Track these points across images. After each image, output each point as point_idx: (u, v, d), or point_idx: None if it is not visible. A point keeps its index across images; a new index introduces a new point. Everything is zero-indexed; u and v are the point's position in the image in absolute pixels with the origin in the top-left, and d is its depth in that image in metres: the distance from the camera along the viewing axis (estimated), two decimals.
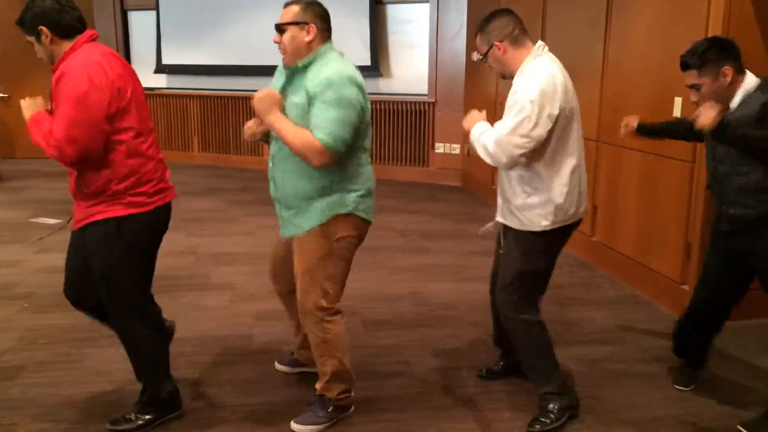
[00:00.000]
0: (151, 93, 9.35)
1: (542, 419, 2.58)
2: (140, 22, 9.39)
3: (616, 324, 3.66)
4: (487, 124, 2.51)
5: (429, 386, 2.95)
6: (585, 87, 4.83)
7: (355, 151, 2.44)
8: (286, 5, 2.48)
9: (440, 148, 7.87)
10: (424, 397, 2.85)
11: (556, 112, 2.36)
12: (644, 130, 2.91)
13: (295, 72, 2.44)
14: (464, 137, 7.60)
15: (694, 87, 2.46)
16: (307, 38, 2.41)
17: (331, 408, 2.63)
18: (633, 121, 2.90)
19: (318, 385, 2.63)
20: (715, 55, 2.39)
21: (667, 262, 3.89)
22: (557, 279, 4.45)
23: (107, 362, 3.13)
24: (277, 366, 3.09)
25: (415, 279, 4.37)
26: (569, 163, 2.47)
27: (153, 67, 9.20)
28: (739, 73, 2.42)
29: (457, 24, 7.57)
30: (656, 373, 3.09)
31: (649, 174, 4.07)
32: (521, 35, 2.51)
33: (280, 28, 2.45)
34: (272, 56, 9.05)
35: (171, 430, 2.58)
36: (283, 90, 2.46)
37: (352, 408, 2.72)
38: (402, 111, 7.95)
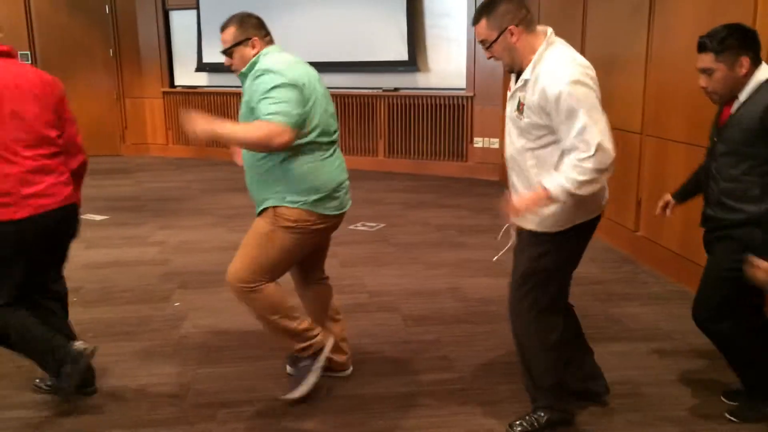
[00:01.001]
0: (192, 91, 9.51)
1: (524, 423, 2.49)
2: (181, 21, 9.54)
3: (662, 320, 3.58)
4: (551, 179, 2.16)
5: (469, 382, 2.94)
6: (628, 78, 4.75)
7: (310, 150, 2.52)
8: (223, 29, 2.59)
9: (479, 142, 7.81)
10: (464, 393, 2.83)
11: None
12: (684, 195, 2.78)
13: (246, 76, 2.57)
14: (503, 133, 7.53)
15: (707, 71, 2.34)
16: (254, 51, 2.56)
17: (305, 362, 2.70)
18: (668, 197, 2.77)
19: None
20: (736, 42, 2.28)
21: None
22: (600, 275, 4.41)
23: (149, 355, 3.20)
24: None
25: (453, 274, 4.35)
26: None
27: (194, 65, 9.35)
28: (755, 65, 2.31)
29: None
30: (703, 369, 3.02)
31: (695, 166, 3.96)
32: (533, 19, 2.24)
33: (228, 53, 2.58)
34: (311, 52, 9.12)
35: (218, 420, 2.63)
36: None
37: (325, 348, 2.73)
38: (440, 105, 7.91)
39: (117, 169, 8.65)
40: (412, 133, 8.17)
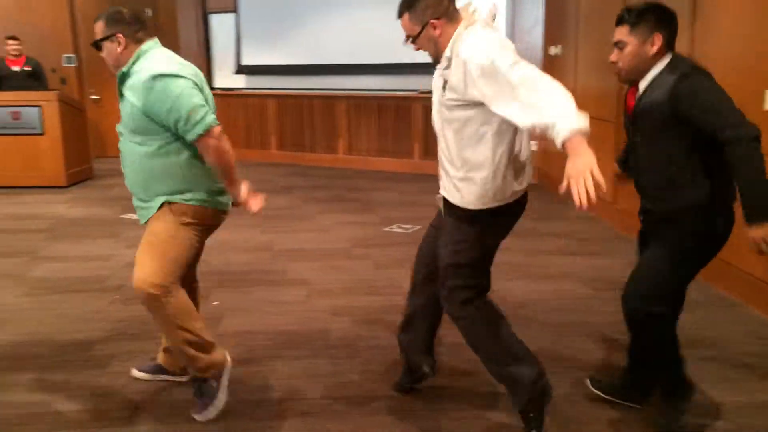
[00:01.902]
0: (231, 93, 9.65)
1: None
2: (220, 25, 9.69)
3: (701, 327, 3.51)
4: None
5: (497, 386, 2.92)
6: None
7: (188, 148, 2.48)
8: (95, 22, 2.57)
9: None
10: (492, 397, 2.82)
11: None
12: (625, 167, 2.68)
13: (124, 76, 2.52)
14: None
15: (619, 45, 2.30)
16: (119, 48, 2.51)
17: (206, 383, 2.63)
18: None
19: (189, 370, 2.63)
20: (653, 17, 2.24)
21: (759, 261, 3.70)
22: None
23: None
24: (135, 373, 3.00)
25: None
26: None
27: (233, 68, 9.49)
28: (669, 47, 2.28)
29: (533, 16, 7.44)
30: (743, 378, 2.96)
31: None
32: (455, 9, 2.25)
33: (97, 47, 2.57)
34: (345, 55, 9.17)
35: (255, 419, 2.67)
36: (119, 90, 2.54)
37: (229, 362, 2.69)
38: None
39: None
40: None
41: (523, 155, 2.33)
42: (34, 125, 7.25)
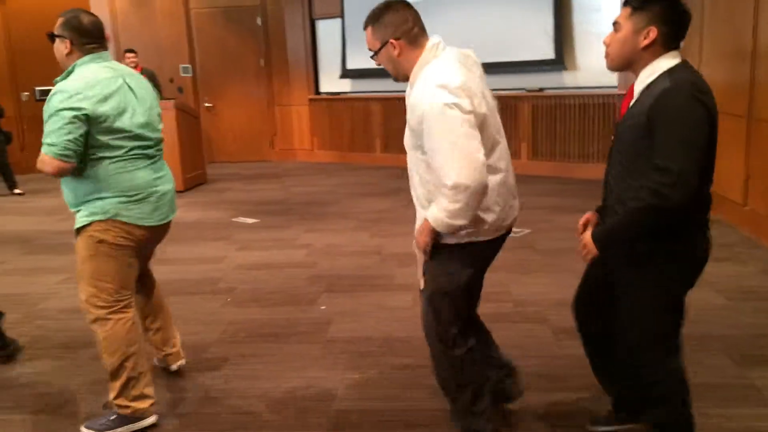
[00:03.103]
0: (337, 97, 9.76)
1: None
2: (327, 30, 9.83)
3: None
4: (427, 213, 2.13)
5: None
6: (733, 65, 4.26)
7: (108, 159, 2.48)
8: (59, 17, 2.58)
9: None
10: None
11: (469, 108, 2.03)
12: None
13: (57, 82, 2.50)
14: None
15: (615, 27, 2.02)
16: (65, 51, 2.53)
17: (114, 416, 2.60)
18: (589, 214, 2.34)
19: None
20: (656, 9, 1.94)
21: None
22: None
23: (300, 358, 3.25)
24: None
25: None
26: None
27: (338, 72, 9.59)
28: (666, 47, 1.96)
29: None
30: None
31: None
32: (420, 34, 2.18)
33: (51, 39, 2.57)
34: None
35: (364, 428, 2.60)
36: None
37: (150, 419, 2.63)
38: (588, 105, 7.53)
39: (266, 174, 9.05)
40: (558, 134, 7.84)
41: (508, 187, 2.25)
42: None
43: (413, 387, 2.91)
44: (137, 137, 2.55)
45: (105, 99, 2.46)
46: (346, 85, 9.68)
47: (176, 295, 4.21)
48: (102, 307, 2.56)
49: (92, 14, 2.62)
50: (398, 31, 2.16)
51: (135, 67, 8.23)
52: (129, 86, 2.58)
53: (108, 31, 9.93)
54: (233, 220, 6.27)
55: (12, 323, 3.61)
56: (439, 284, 2.26)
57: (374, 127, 9.37)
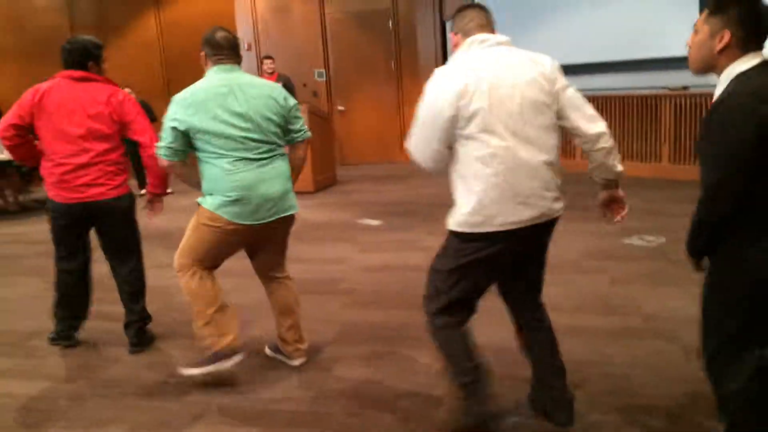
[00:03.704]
0: None
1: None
2: None
3: None
4: None
5: None
6: None
7: (207, 161, 2.89)
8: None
9: None
10: None
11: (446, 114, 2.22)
12: None
13: None
14: None
15: (695, 28, 1.97)
16: (203, 62, 3.02)
17: (209, 356, 2.98)
18: None
19: None
20: (735, 12, 1.86)
21: None
22: None
23: (412, 362, 3.24)
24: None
25: None
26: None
27: None
28: (743, 50, 1.86)
29: None
30: None
31: None
32: (475, 30, 2.37)
33: None
34: (584, 53, 8.66)
35: None
36: None
37: (233, 358, 3.00)
38: None
39: (394, 175, 9.16)
40: (678, 137, 7.32)
41: (509, 182, 2.23)
42: None
43: (524, 402, 2.80)
44: (235, 139, 2.86)
45: (197, 108, 2.84)
46: None
47: (300, 294, 4.34)
48: (179, 267, 3.04)
49: (227, 30, 3.00)
50: (458, 26, 2.44)
51: (272, 73, 8.63)
52: (235, 95, 2.87)
53: (249, 39, 10.52)
54: (358, 221, 6.39)
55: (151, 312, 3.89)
56: (434, 258, 2.50)
57: None
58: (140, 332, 3.60)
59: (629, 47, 7.60)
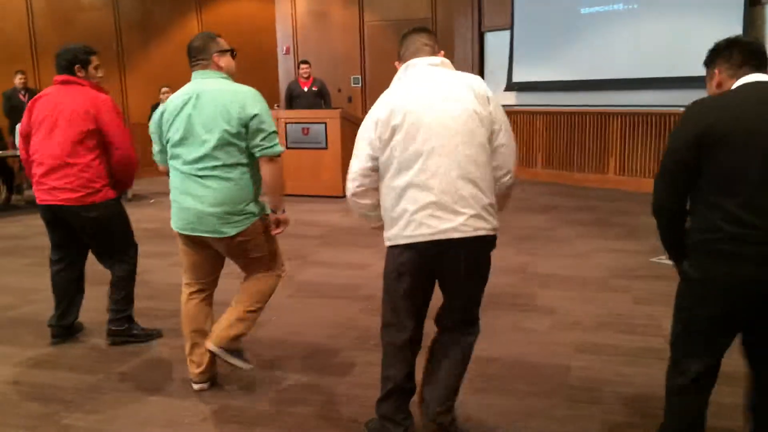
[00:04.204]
0: None
1: None
2: (495, 42, 9.76)
3: None
4: None
5: None
6: None
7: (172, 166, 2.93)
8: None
9: None
10: None
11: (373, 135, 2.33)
12: None
13: None
14: None
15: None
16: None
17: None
18: None
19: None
20: (709, 55, 2.20)
21: None
22: None
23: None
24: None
25: None
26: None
27: (503, 85, 9.47)
28: (735, 77, 2.09)
29: None
30: None
31: None
32: (409, 56, 2.42)
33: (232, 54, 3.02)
34: (625, 69, 8.57)
35: None
36: None
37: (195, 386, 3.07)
38: None
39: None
40: None
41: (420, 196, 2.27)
42: (319, 140, 8.02)
43: (538, 417, 2.78)
44: (175, 148, 2.86)
45: (161, 115, 2.89)
46: (511, 98, 9.53)
47: (320, 298, 4.39)
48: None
49: (203, 35, 2.96)
50: (399, 53, 2.49)
51: (308, 77, 8.72)
52: (192, 104, 2.79)
53: (288, 43, 10.65)
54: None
55: (170, 312, 3.96)
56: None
57: (537, 141, 9.13)
58: (110, 332, 3.65)
59: (666, 65, 7.51)
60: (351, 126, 8.20)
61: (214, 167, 2.77)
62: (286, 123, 8.10)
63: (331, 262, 5.26)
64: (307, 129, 8.04)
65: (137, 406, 2.97)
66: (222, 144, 2.75)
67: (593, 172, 8.47)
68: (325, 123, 7.95)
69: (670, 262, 2.34)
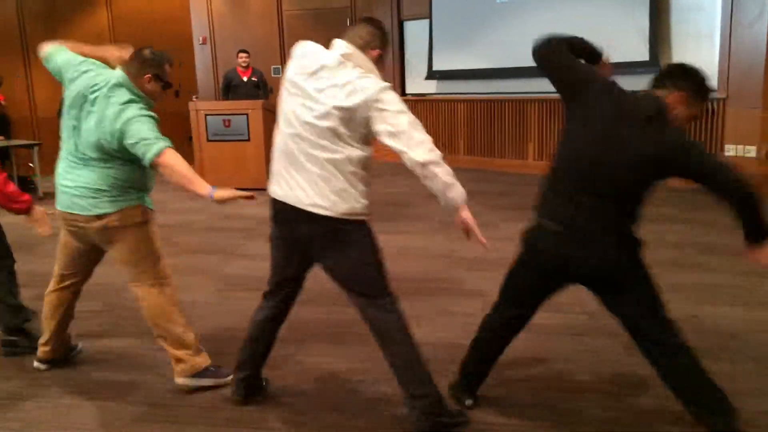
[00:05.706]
0: (422, 99, 9.72)
1: None
2: (414, 32, 9.83)
3: None
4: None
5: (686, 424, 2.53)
6: None
7: None
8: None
9: (730, 150, 6.90)
10: None
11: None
12: None
13: None
14: (762, 139, 6.57)
15: None
16: None
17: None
18: None
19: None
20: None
21: None
22: None
23: (357, 360, 3.24)
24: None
25: (691, 300, 3.83)
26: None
27: (424, 73, 9.56)
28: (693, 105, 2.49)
29: (756, 8, 6.55)
30: None
31: None
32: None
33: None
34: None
35: None
36: None
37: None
38: None
39: None
40: None
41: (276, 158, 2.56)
42: (242, 132, 7.86)
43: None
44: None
45: None
46: (431, 87, 9.64)
47: (247, 291, 4.30)
48: None
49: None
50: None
51: (247, 67, 8.50)
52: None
53: (204, 33, 10.36)
54: None
55: (95, 311, 3.79)
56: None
57: (458, 129, 9.27)
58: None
59: None
60: (273, 118, 8.07)
61: (83, 156, 2.89)
62: (206, 115, 7.89)
63: (257, 254, 5.16)
64: (228, 121, 7.87)
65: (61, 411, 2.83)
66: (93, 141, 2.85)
67: (513, 158, 8.69)
68: (247, 114, 7.80)
69: None
